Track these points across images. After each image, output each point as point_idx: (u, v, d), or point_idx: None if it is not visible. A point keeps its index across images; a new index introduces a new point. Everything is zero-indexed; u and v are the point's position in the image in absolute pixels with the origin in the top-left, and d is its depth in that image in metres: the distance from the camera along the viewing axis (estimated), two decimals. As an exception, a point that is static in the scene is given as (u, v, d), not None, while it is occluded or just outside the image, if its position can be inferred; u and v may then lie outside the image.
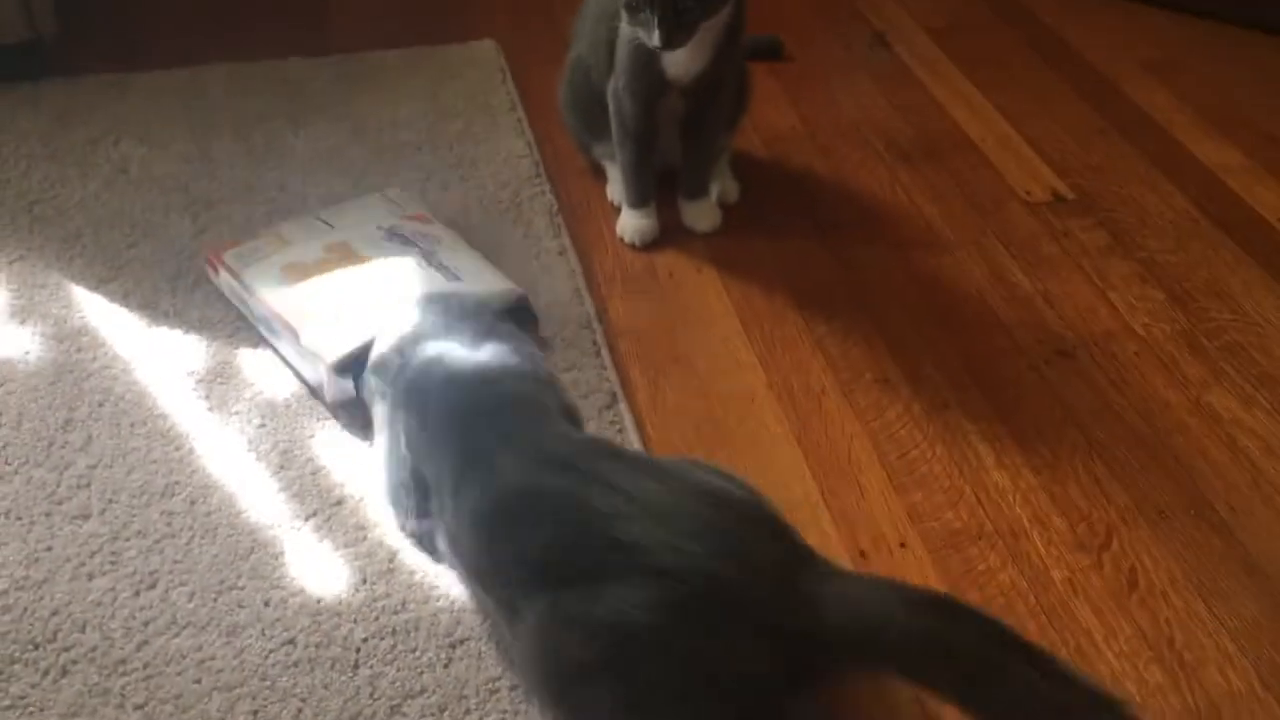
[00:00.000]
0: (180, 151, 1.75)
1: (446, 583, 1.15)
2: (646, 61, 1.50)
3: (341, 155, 1.76)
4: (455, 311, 1.23)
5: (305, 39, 2.06)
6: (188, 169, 1.72)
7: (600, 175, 1.75)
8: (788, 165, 1.81)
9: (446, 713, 1.04)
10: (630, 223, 1.63)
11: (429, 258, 1.44)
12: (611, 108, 1.58)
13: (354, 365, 1.28)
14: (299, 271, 1.42)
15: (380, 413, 1.21)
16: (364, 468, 1.26)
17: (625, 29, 1.47)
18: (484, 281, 1.43)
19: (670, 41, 1.40)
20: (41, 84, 1.88)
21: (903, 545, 1.22)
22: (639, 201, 1.63)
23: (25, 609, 1.12)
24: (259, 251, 1.46)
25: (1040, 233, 1.66)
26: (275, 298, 1.39)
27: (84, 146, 1.75)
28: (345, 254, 1.45)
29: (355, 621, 1.11)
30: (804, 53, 2.08)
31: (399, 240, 1.48)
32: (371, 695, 1.05)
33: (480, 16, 2.15)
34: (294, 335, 1.35)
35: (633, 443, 1.30)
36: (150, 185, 1.68)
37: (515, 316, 1.35)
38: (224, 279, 1.46)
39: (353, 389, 1.30)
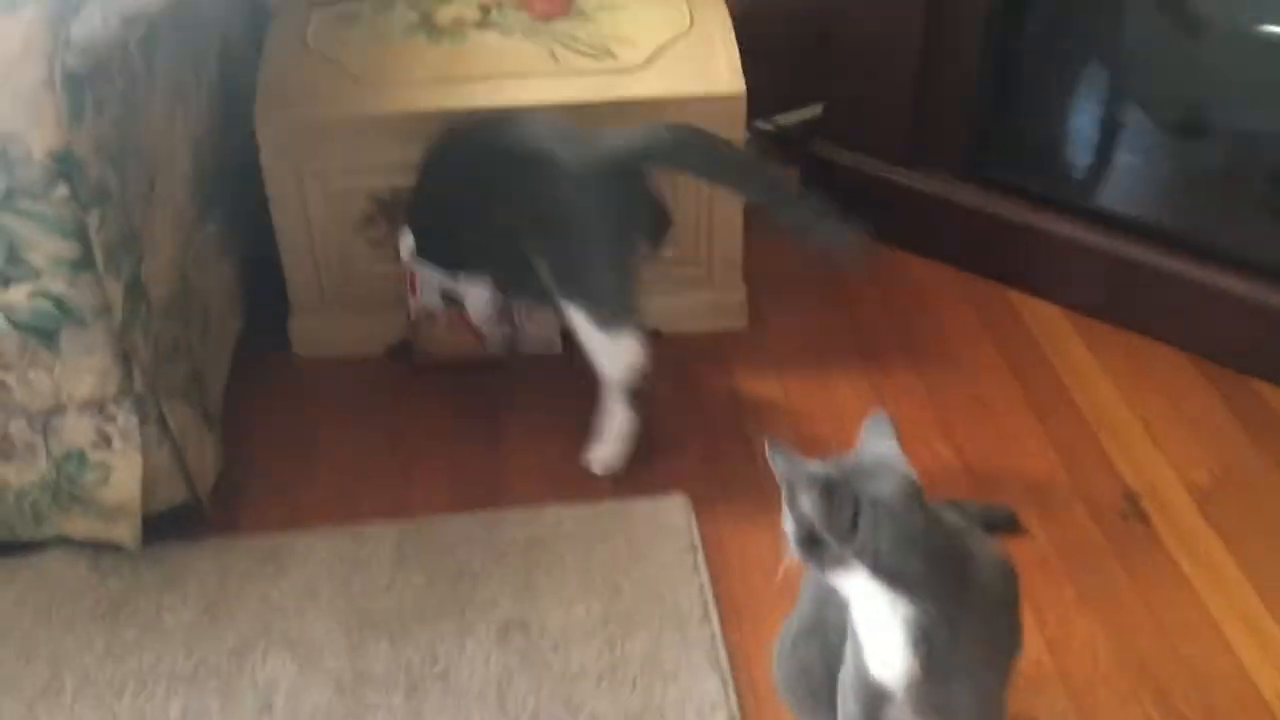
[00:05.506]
0: (333, 669, 1.56)
1: None
2: (857, 652, 1.24)
3: (508, 689, 1.54)
4: None
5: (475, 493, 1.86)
6: (340, 703, 1.52)
7: (808, 738, 1.48)
8: (1034, 712, 1.51)
9: None
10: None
11: None
12: (839, 703, 1.32)
13: None
14: None
15: None
16: None
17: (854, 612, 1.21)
18: None
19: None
20: (194, 551, 1.73)
21: None
22: (857, 817, 1.35)
23: None
24: None
25: None
26: None
27: (229, 661, 1.57)
28: None
29: None
30: (1044, 527, 1.77)
31: None
32: None
33: (671, 460, 1.89)
34: None
35: None
36: (296, 732, 1.49)
37: None
38: None
39: None
